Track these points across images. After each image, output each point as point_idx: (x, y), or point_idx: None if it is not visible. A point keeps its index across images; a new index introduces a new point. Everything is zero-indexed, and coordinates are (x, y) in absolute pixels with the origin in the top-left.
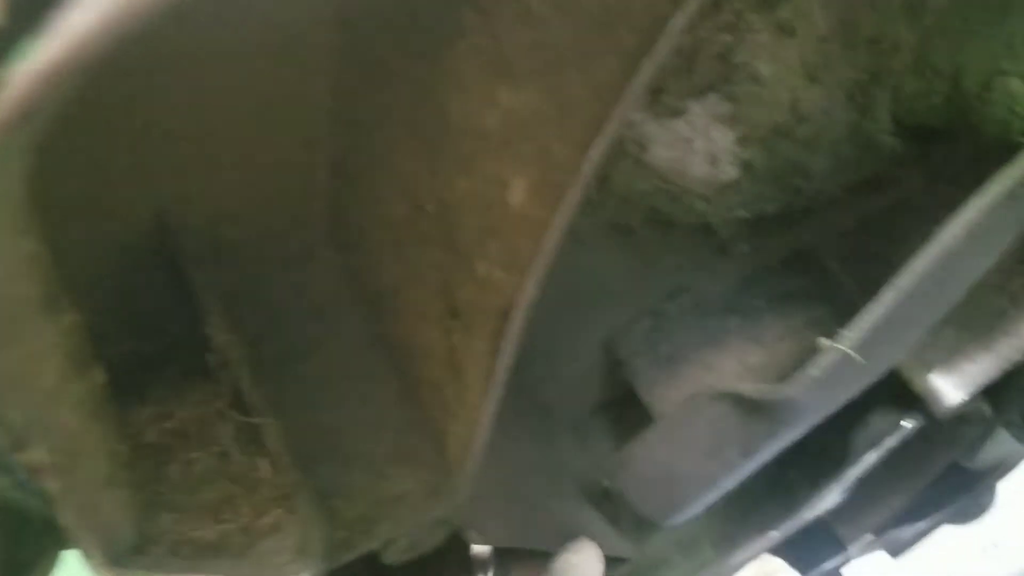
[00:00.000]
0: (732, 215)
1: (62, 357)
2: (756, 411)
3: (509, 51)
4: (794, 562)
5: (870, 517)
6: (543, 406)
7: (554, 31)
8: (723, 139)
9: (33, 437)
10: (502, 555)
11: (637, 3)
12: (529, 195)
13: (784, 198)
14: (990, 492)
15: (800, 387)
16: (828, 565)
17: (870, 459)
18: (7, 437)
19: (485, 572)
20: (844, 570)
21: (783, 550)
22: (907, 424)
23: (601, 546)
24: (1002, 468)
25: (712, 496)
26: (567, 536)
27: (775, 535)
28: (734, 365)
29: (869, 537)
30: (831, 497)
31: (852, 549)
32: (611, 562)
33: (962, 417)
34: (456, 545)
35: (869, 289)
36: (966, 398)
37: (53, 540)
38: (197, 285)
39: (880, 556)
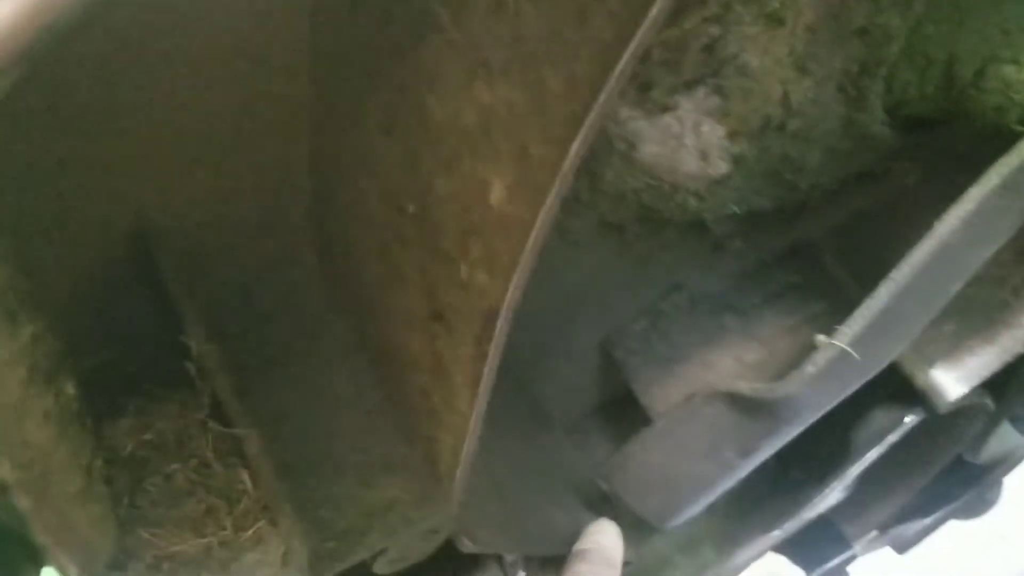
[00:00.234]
0: (725, 211)
1: (25, 371)
2: (753, 410)
3: (484, 46)
4: (799, 560)
5: (875, 514)
6: (539, 409)
7: (528, 24)
8: (713, 134)
9: None
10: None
11: None
12: (509, 195)
13: (778, 193)
14: (996, 487)
15: (797, 385)
16: (833, 563)
17: (872, 456)
18: None
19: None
20: (850, 567)
21: (788, 548)
22: (909, 420)
23: None
24: (1008, 462)
25: (710, 497)
26: (563, 542)
27: (777, 534)
28: (731, 363)
29: (874, 534)
30: (833, 495)
31: (857, 546)
32: None
33: (965, 412)
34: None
35: (867, 284)
36: (967, 392)
37: (30, 557)
38: (175, 294)
39: (886, 552)
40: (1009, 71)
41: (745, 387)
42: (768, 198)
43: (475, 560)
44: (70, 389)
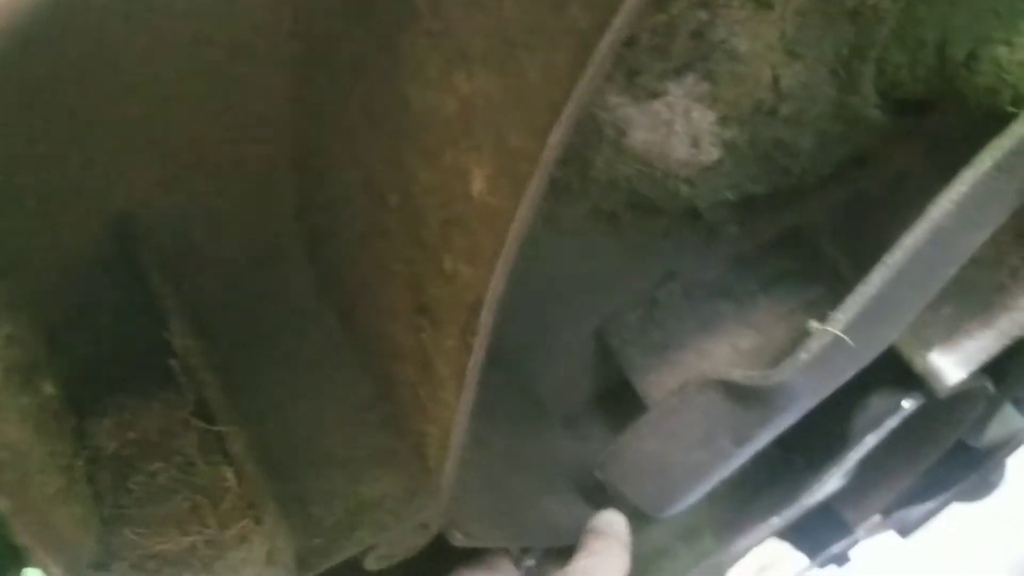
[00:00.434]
0: (718, 198)
1: (0, 372)
2: (747, 398)
3: (462, 36)
4: (801, 546)
5: (876, 499)
6: (533, 401)
7: (506, 13)
8: (703, 120)
9: None
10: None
11: None
12: (490, 185)
13: (771, 178)
14: (999, 469)
15: (790, 372)
16: (836, 548)
17: (871, 441)
18: None
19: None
20: (853, 552)
21: (789, 535)
22: (907, 405)
23: None
24: (1010, 444)
25: (706, 485)
26: (559, 534)
27: (776, 522)
28: (728, 350)
29: (877, 518)
30: (833, 481)
31: (859, 531)
32: None
33: (965, 395)
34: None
35: (864, 268)
36: (967, 376)
37: (13, 558)
38: (158, 290)
39: (890, 536)
40: (1002, 52)
41: (739, 375)
42: (761, 184)
43: (480, 550)
44: (49, 389)
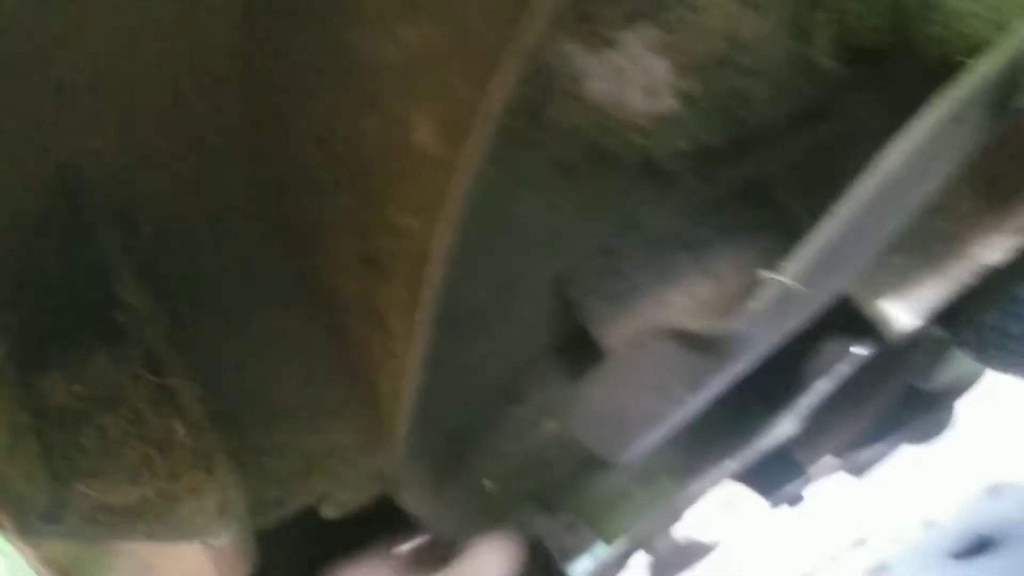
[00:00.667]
0: (675, 148)
1: None
2: (702, 346)
3: None
4: (756, 487)
5: (828, 441)
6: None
7: None
8: (659, 69)
9: None
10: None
11: None
12: (434, 135)
13: (728, 129)
14: (948, 411)
15: (743, 320)
16: (789, 489)
17: (823, 386)
18: None
19: None
20: (807, 492)
21: (744, 477)
22: (858, 351)
23: None
24: (958, 388)
25: (661, 431)
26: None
27: (731, 465)
28: (684, 299)
29: (829, 460)
30: (786, 425)
31: (813, 471)
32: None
33: (914, 341)
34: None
35: (819, 218)
36: (917, 323)
37: None
38: (105, 244)
39: (842, 477)
40: (955, 2)
41: (694, 324)
42: (718, 134)
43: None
44: None
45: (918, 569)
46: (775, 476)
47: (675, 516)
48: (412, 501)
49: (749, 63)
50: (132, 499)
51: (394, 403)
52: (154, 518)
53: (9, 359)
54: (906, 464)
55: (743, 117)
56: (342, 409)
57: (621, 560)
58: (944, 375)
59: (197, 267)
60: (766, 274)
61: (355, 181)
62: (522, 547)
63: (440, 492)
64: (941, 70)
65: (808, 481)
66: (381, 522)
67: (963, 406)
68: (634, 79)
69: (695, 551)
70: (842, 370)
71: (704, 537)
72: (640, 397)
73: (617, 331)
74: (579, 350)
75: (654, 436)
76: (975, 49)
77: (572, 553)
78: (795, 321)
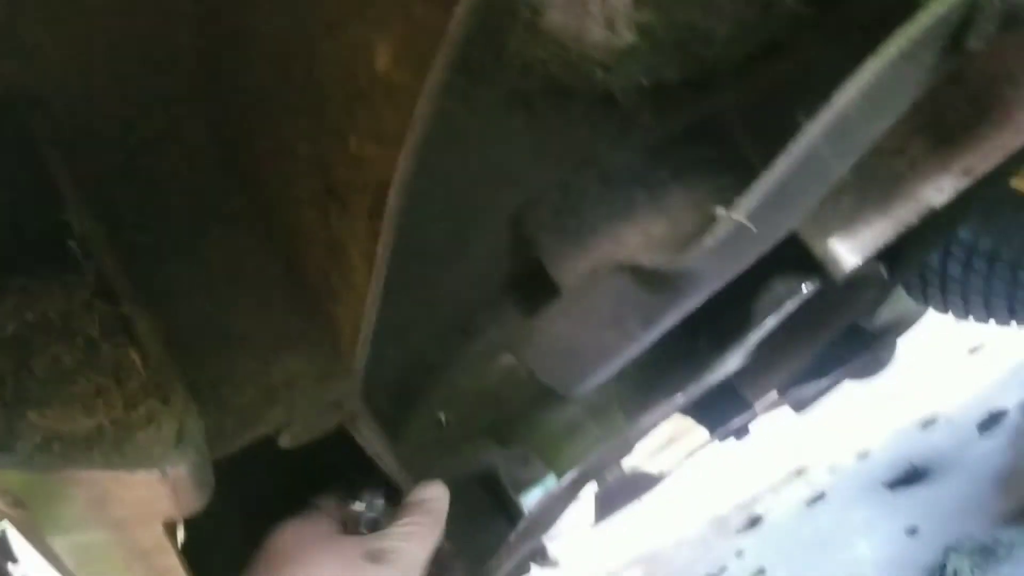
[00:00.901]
0: (633, 83)
1: None
2: (655, 282)
3: None
4: (703, 421)
5: (774, 376)
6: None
7: None
8: (618, 1)
9: None
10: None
11: None
12: (394, 60)
13: (685, 64)
14: (890, 348)
15: (695, 257)
16: (735, 422)
17: (771, 323)
18: None
19: None
20: (752, 427)
21: (693, 411)
22: (806, 288)
23: None
24: (900, 326)
25: (615, 366)
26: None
27: (681, 399)
28: (639, 237)
29: (774, 395)
30: (734, 360)
31: (758, 406)
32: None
33: (860, 280)
34: None
35: (772, 156)
36: (863, 262)
37: None
38: (54, 169)
39: (786, 412)
40: None
41: (647, 260)
42: (676, 70)
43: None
44: None
45: (853, 498)
46: (722, 410)
47: (626, 449)
48: (368, 435)
49: None
50: (87, 428)
51: (353, 334)
52: (110, 447)
53: None
54: (843, 399)
55: (702, 54)
56: (300, 339)
57: (571, 491)
58: (887, 314)
59: (149, 195)
60: (719, 211)
61: (314, 107)
62: (474, 481)
63: (396, 426)
64: (896, 9)
65: (754, 415)
66: (336, 465)
67: (901, 343)
68: (594, 11)
69: (641, 483)
70: (790, 308)
71: (650, 469)
72: (595, 332)
73: (572, 267)
74: (534, 286)
75: (608, 370)
76: None
77: (524, 485)
78: (747, 258)
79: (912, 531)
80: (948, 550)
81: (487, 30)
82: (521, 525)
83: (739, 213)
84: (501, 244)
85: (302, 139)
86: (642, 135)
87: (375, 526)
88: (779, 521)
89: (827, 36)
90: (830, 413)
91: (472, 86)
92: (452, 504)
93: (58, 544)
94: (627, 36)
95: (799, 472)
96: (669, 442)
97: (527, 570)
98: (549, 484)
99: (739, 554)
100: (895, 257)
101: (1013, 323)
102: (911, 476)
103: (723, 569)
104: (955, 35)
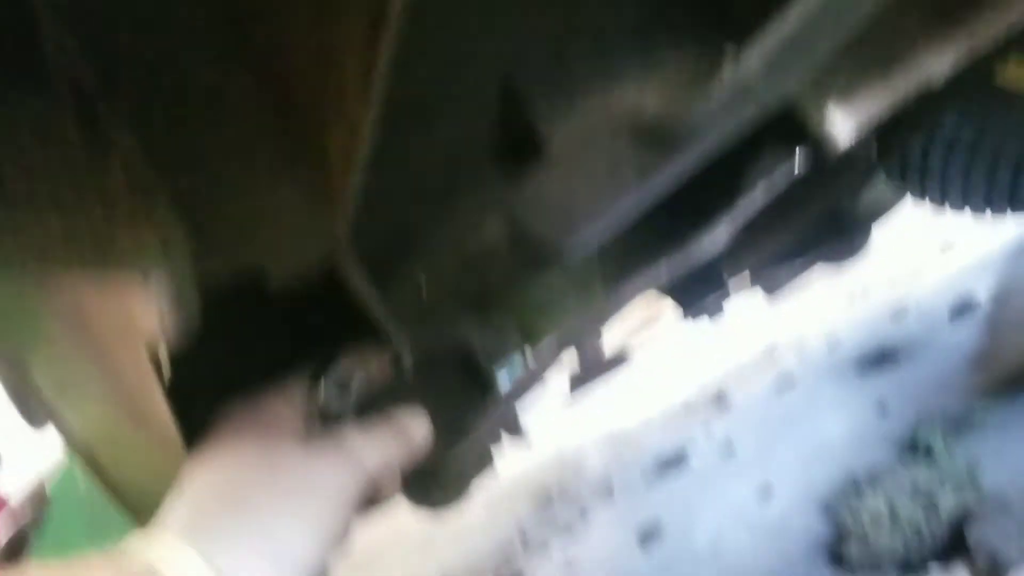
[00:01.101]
0: None
1: None
2: (652, 139)
3: None
4: (678, 298)
5: (750, 255)
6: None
7: None
8: None
9: None
10: None
11: None
12: None
13: None
14: (864, 234)
15: (697, 114)
16: (710, 301)
17: (759, 197)
18: None
19: None
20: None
21: (668, 288)
22: (797, 158)
23: None
24: (878, 211)
25: (608, 222)
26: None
27: (662, 271)
28: (634, 94)
29: (747, 276)
30: (718, 235)
31: (731, 286)
32: None
33: (847, 159)
34: None
35: (769, 19)
36: (858, 133)
37: None
38: None
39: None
40: None
41: (646, 117)
42: None
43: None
44: None
45: (822, 381)
46: (698, 288)
47: (602, 323)
48: (356, 279)
49: None
50: (62, 228)
51: (344, 163)
52: (91, 251)
53: None
54: (814, 292)
55: None
56: (287, 168)
57: (544, 363)
58: (866, 198)
59: (127, 17)
60: (722, 69)
61: None
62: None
63: (377, 290)
64: None
65: (728, 295)
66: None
67: (874, 239)
68: None
69: (613, 362)
70: (776, 182)
71: (621, 349)
72: (589, 190)
73: (565, 126)
74: (524, 147)
75: (600, 225)
76: None
77: (500, 359)
78: (744, 118)
79: (882, 408)
80: (919, 424)
81: None
82: (495, 397)
83: (742, 71)
84: (491, 102)
85: None
86: None
87: (336, 419)
88: (748, 403)
89: None
90: (801, 303)
91: None
92: (426, 378)
93: (39, 376)
94: None
95: (768, 356)
96: (646, 323)
97: (498, 438)
98: (526, 359)
99: (707, 429)
100: (880, 141)
101: (987, 212)
102: (881, 358)
103: (691, 441)
104: None
